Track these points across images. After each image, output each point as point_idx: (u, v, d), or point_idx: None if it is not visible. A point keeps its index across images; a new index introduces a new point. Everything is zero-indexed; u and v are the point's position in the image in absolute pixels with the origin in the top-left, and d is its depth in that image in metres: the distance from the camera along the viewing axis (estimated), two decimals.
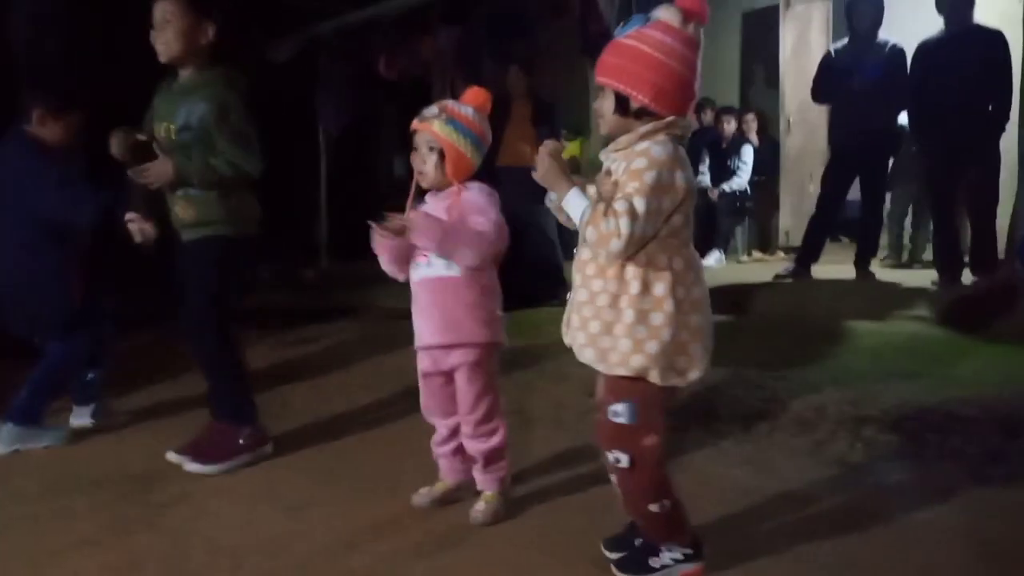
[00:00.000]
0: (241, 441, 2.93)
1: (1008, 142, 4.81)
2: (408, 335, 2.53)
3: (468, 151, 2.38)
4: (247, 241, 2.94)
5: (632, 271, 1.87)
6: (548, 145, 1.95)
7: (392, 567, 2.18)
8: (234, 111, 2.81)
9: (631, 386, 1.91)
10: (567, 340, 2.03)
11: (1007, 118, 4.73)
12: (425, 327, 2.46)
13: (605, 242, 1.81)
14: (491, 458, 2.47)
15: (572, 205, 1.88)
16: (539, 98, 5.29)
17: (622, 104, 1.89)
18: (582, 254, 1.96)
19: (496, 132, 2.48)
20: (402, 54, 6.82)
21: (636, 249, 1.84)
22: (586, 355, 1.95)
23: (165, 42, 2.80)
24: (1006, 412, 2.95)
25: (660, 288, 1.87)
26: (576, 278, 1.98)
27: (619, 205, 1.79)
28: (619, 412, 1.94)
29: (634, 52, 1.86)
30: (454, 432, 2.53)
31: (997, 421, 2.88)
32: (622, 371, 1.90)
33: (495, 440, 2.46)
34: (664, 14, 1.86)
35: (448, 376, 2.48)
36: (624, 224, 1.78)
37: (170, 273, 2.96)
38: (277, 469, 2.93)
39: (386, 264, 2.46)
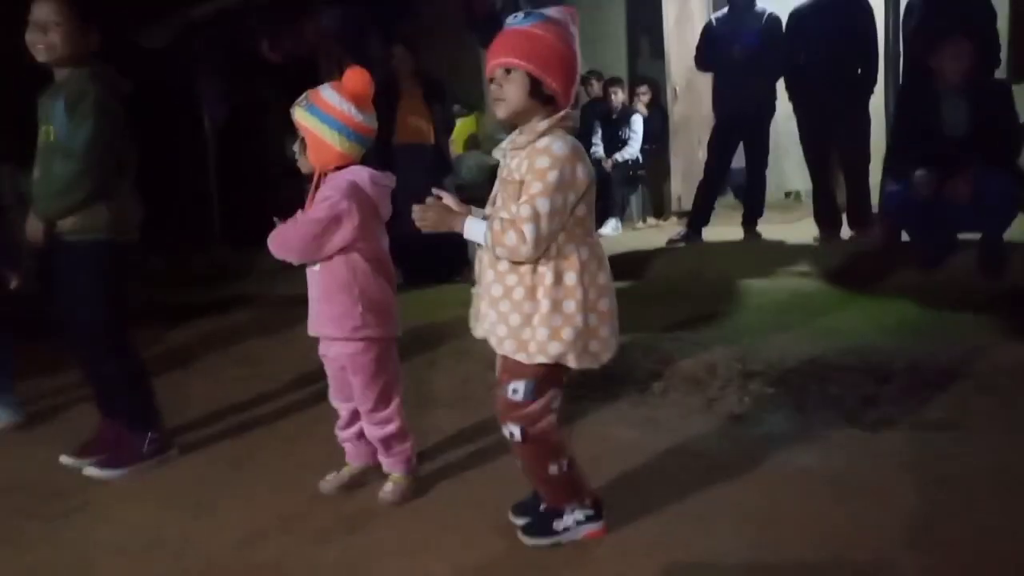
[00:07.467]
0: (145, 448, 2.85)
1: (877, 104, 5.08)
2: (305, 321, 2.53)
3: (327, 136, 2.32)
4: (131, 246, 2.82)
5: (544, 264, 1.95)
6: (421, 208, 2.02)
7: (300, 556, 2.20)
8: (83, 102, 2.63)
9: (530, 366, 1.99)
10: (479, 333, 2.09)
11: (874, 81, 5.00)
12: (309, 316, 2.51)
13: (515, 253, 1.91)
14: (389, 443, 2.49)
15: (473, 234, 1.97)
16: (427, 76, 5.27)
17: (536, 88, 1.93)
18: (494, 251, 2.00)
19: (389, 111, 2.46)
20: (286, 36, 6.67)
21: (546, 246, 1.92)
22: (506, 347, 2.00)
23: (50, 44, 2.64)
24: (879, 360, 3.16)
25: (571, 277, 1.96)
26: (488, 274, 2.02)
27: (523, 210, 1.88)
28: (517, 389, 2.03)
29: (545, 41, 1.92)
30: (355, 415, 2.55)
31: (871, 369, 3.09)
32: (542, 359, 1.96)
33: (390, 427, 2.47)
34: (560, 15, 1.95)
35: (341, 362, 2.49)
36: (528, 230, 1.87)
37: (47, 275, 2.82)
38: (180, 468, 2.88)
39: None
